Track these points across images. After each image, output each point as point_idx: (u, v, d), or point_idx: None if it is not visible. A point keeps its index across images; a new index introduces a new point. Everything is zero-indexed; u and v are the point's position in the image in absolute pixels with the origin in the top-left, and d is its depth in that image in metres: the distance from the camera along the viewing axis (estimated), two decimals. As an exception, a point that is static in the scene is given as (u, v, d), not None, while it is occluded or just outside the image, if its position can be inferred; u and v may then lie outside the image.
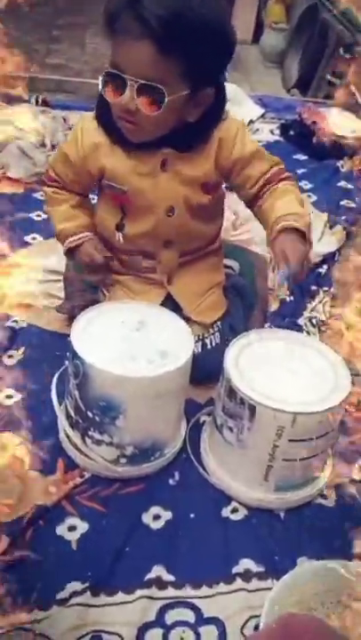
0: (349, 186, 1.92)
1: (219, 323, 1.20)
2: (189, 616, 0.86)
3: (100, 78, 0.97)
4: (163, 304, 1.15)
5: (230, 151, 1.08)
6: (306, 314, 1.39)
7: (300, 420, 0.90)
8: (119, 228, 1.13)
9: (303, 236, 1.02)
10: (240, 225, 1.63)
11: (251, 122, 2.17)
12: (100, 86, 0.98)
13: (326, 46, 2.65)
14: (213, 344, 1.18)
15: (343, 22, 2.60)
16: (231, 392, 0.95)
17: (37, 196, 1.65)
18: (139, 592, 0.87)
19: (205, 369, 1.09)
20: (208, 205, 1.12)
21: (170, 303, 1.16)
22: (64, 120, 1.97)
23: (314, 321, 1.37)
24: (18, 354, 1.21)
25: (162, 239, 1.13)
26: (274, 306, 1.40)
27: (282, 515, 0.99)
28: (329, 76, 2.59)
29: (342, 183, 1.93)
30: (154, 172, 1.07)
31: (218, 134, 1.07)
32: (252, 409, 0.92)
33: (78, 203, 1.16)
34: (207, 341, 1.18)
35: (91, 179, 1.12)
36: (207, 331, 1.18)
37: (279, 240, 1.01)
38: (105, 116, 1.04)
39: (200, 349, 1.14)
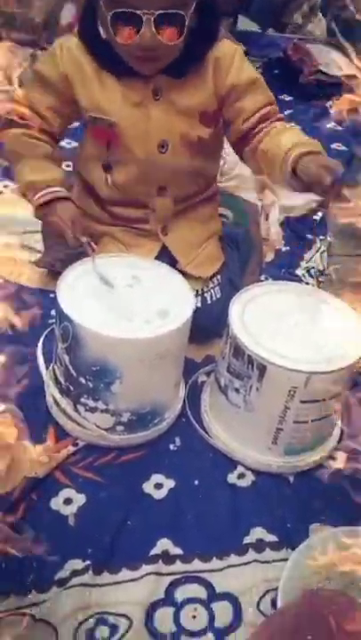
0: (339, 128, 1.82)
1: (218, 276, 1.11)
2: (200, 592, 0.80)
3: (108, 20, 0.86)
4: (157, 258, 1.05)
5: (226, 74, 0.97)
6: (303, 264, 1.32)
7: (315, 380, 0.83)
8: (107, 169, 1.01)
9: None
10: (228, 170, 1.52)
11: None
12: (109, 32, 0.87)
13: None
14: (214, 298, 1.09)
15: None
16: (238, 351, 0.87)
17: (7, 140, 1.51)
18: (145, 568, 0.81)
19: (206, 326, 1.02)
20: (208, 140, 1.01)
21: (165, 257, 1.06)
22: (32, 57, 1.80)
23: (312, 271, 1.29)
24: (-4, 314, 1.11)
25: (155, 184, 1.02)
26: (269, 256, 1.32)
27: (291, 479, 0.94)
28: (306, 7, 2.45)
29: (332, 125, 1.83)
30: (145, 101, 0.96)
31: (214, 54, 0.96)
32: (262, 368, 0.85)
33: (49, 152, 0.99)
34: (207, 296, 1.09)
35: (72, 108, 0.98)
36: (206, 285, 1.09)
37: (306, 160, 0.85)
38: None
39: (200, 304, 1.05)
